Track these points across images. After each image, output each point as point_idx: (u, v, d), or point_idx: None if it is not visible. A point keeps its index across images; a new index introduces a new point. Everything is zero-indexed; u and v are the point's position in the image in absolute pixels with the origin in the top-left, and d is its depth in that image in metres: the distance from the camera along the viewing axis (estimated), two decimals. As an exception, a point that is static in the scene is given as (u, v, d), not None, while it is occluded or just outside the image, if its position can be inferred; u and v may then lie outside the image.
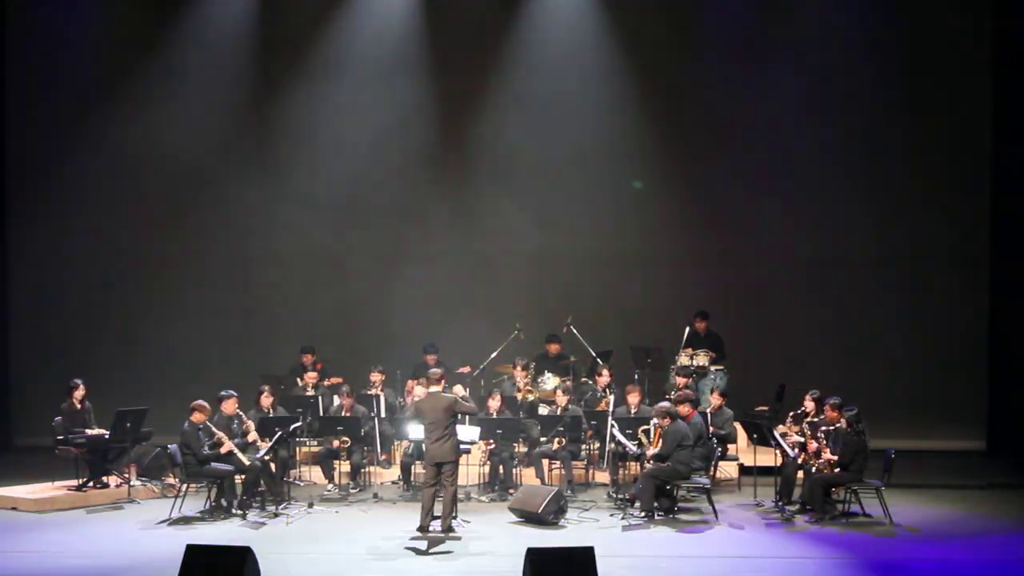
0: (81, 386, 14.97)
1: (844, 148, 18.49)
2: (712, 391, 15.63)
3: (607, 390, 15.72)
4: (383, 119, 18.73)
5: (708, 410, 15.12)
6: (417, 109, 18.80)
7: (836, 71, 18.38)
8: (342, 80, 18.79)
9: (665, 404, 13.92)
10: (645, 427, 14.08)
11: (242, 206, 18.85)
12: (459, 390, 14.70)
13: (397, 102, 18.75)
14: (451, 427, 12.79)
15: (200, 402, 13.89)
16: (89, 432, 14.75)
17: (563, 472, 14.88)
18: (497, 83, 18.79)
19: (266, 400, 14.95)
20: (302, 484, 15.04)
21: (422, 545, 12.35)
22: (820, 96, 18.47)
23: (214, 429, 13.84)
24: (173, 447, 13.81)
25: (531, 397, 15.87)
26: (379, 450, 15.42)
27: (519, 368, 16.20)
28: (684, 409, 13.95)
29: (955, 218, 18.42)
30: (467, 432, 13.62)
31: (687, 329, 17.03)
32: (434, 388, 13.11)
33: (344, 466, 15.16)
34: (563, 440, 14.79)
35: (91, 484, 14.54)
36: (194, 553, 9.39)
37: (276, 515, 13.59)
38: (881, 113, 18.44)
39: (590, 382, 16.29)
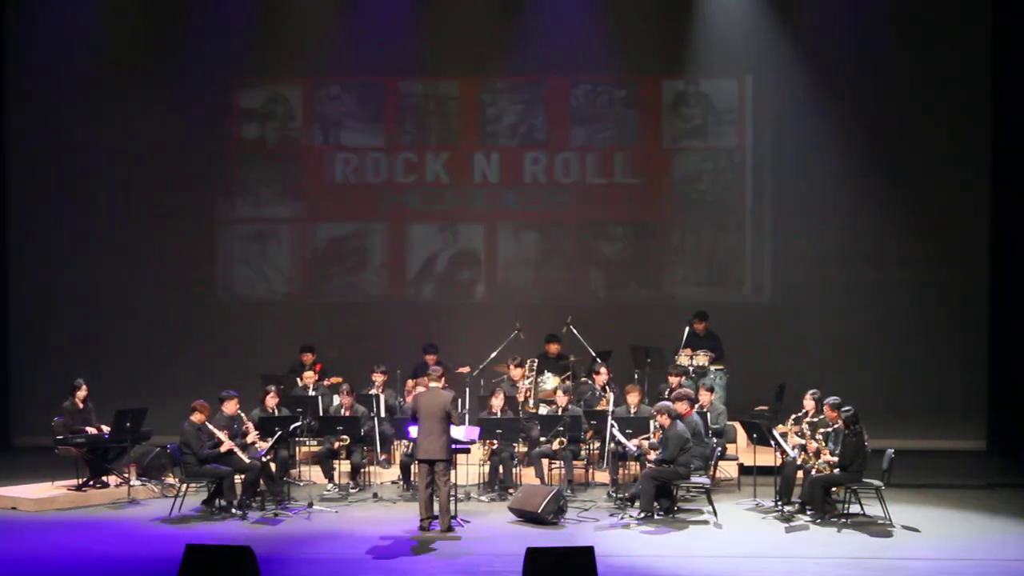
0: (84, 386, 14.98)
1: (843, 148, 18.50)
2: (699, 388, 15.54)
3: (606, 388, 15.71)
4: (382, 116, 18.74)
5: (701, 407, 15.08)
6: (417, 106, 18.81)
7: (838, 69, 18.43)
8: (341, 74, 18.80)
9: (666, 403, 13.90)
10: (646, 436, 14.04)
11: (242, 204, 18.85)
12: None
13: (398, 100, 18.75)
14: (445, 425, 12.80)
15: (200, 402, 13.89)
16: (92, 429, 14.73)
17: (563, 472, 14.88)
18: (497, 83, 18.79)
19: (271, 400, 14.94)
20: (302, 484, 15.03)
21: (422, 545, 12.35)
22: (823, 93, 18.47)
23: (213, 429, 13.84)
24: (173, 447, 13.81)
25: (531, 402, 15.77)
26: (379, 450, 15.42)
27: (513, 367, 16.13)
28: (682, 407, 13.93)
29: (955, 217, 18.42)
30: (467, 432, 13.61)
31: (687, 329, 17.04)
32: (434, 384, 13.13)
33: (344, 466, 15.16)
34: (563, 440, 14.78)
35: (91, 484, 14.54)
36: (194, 553, 9.36)
37: (276, 515, 13.59)
38: (882, 109, 18.45)
39: (590, 382, 16.28)
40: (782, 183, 18.60)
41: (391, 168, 18.90)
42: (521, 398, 15.74)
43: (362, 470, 15.12)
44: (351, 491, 14.84)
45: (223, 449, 13.73)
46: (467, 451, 14.10)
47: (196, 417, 13.75)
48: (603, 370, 15.98)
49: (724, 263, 18.66)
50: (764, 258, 18.61)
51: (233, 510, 13.59)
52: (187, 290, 18.84)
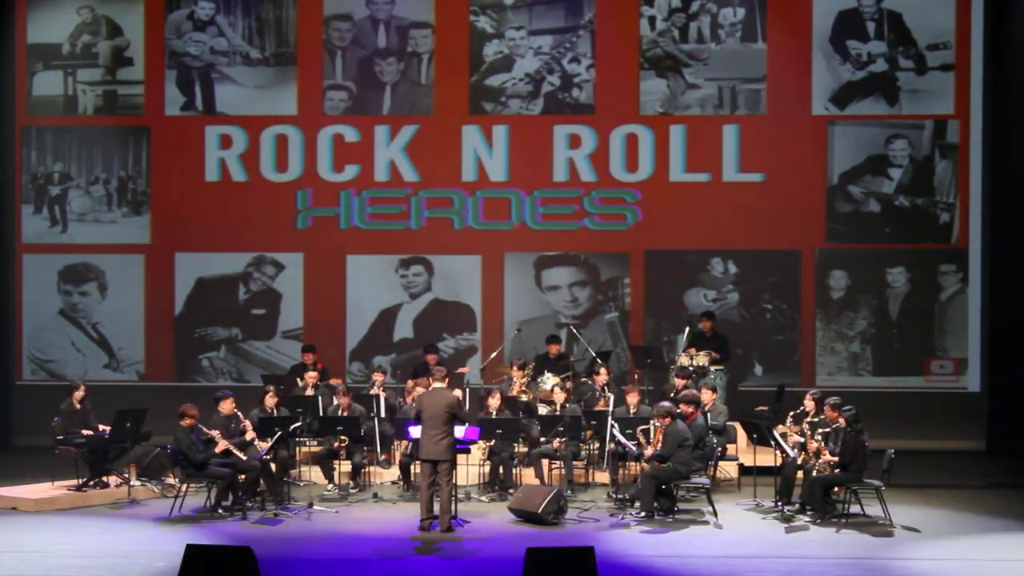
0: (82, 387, 14.98)
1: (843, 146, 18.53)
2: (700, 388, 15.50)
3: (605, 388, 15.70)
4: (383, 121, 18.78)
5: (703, 406, 15.07)
6: (418, 106, 18.86)
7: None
8: (346, 75, 18.86)
9: (666, 404, 13.88)
10: (644, 427, 14.05)
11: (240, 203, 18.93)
12: (457, 393, 14.56)
13: (403, 104, 18.80)
14: (449, 426, 12.79)
15: (188, 405, 13.71)
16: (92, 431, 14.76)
17: (563, 472, 14.88)
18: (496, 87, 18.82)
19: (270, 400, 14.91)
20: (302, 484, 15.01)
21: (422, 545, 12.36)
22: (829, 89, 18.48)
23: (206, 430, 13.73)
24: (173, 448, 13.77)
25: (524, 398, 15.78)
26: (379, 450, 15.41)
27: (516, 368, 16.15)
28: (688, 409, 13.89)
29: (956, 215, 18.43)
30: (467, 432, 13.60)
31: (687, 330, 17.04)
32: (438, 385, 13.11)
33: (344, 466, 15.15)
34: (563, 440, 14.77)
35: (91, 484, 14.53)
36: (194, 553, 9.38)
37: (276, 515, 13.59)
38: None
39: (589, 382, 16.28)
40: (780, 179, 18.61)
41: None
42: (513, 392, 15.73)
43: (362, 470, 15.11)
44: (351, 491, 14.83)
45: (219, 449, 13.65)
46: (467, 451, 14.10)
47: (186, 422, 13.56)
48: (603, 370, 15.98)
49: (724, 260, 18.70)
50: (764, 256, 18.61)
51: (233, 510, 13.58)
52: (185, 288, 18.85)
